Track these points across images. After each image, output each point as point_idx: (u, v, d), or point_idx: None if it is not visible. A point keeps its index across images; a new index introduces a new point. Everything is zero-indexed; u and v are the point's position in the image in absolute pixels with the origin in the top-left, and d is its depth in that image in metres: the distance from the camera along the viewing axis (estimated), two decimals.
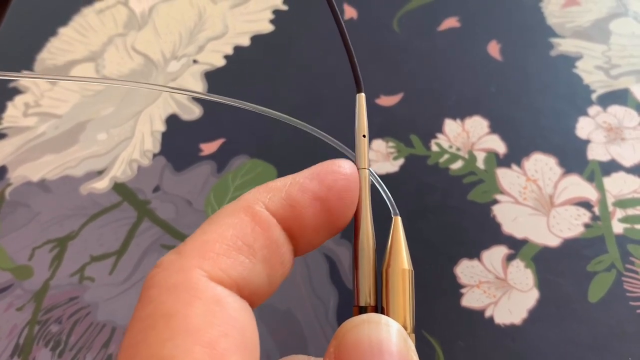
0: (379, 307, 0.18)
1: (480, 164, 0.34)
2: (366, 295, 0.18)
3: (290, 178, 0.18)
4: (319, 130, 0.21)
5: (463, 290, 0.30)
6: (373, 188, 0.20)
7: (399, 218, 0.19)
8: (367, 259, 0.19)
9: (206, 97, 0.21)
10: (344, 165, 0.19)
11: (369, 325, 0.16)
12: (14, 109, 0.41)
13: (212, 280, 0.16)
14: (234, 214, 0.17)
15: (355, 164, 0.19)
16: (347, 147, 0.21)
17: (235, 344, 0.15)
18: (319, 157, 0.37)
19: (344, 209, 0.19)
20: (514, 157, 0.34)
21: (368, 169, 0.20)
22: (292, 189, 0.18)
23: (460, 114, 0.36)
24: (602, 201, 0.32)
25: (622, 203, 0.32)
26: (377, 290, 0.19)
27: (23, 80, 0.42)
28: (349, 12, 0.42)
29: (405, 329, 0.18)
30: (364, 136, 0.20)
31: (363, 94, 0.20)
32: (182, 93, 0.25)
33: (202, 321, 0.15)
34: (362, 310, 0.18)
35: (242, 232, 0.17)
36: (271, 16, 0.43)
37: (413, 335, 0.18)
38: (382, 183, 0.20)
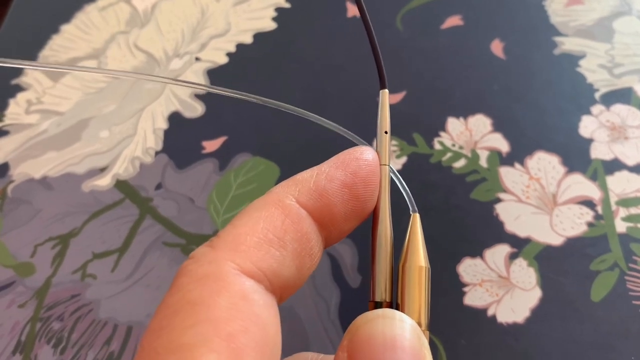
0: (394, 303, 0.19)
1: (483, 162, 0.34)
2: (382, 291, 0.18)
3: (316, 169, 0.19)
4: (326, 120, 0.21)
5: (466, 289, 0.30)
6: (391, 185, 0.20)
7: (417, 215, 0.19)
8: (385, 255, 0.19)
9: (212, 90, 0.21)
10: (366, 152, 0.19)
11: (383, 320, 0.16)
12: (16, 106, 0.41)
13: (242, 273, 0.16)
14: (265, 207, 0.17)
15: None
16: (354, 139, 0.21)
17: (254, 340, 0.15)
18: (322, 153, 0.37)
19: (370, 194, 0.19)
20: (517, 155, 0.34)
21: (388, 166, 0.20)
22: (320, 179, 0.18)
23: (464, 113, 0.36)
24: (605, 200, 0.32)
25: (625, 202, 0.32)
26: (392, 287, 0.19)
27: (25, 77, 0.42)
28: (352, 10, 0.42)
29: (420, 325, 0.18)
30: (386, 132, 0.20)
31: (386, 91, 0.20)
32: (188, 85, 0.25)
33: (225, 313, 0.15)
34: (378, 305, 0.18)
35: (273, 225, 0.17)
36: (274, 14, 0.43)
37: (427, 332, 0.18)
38: (402, 180, 0.20)
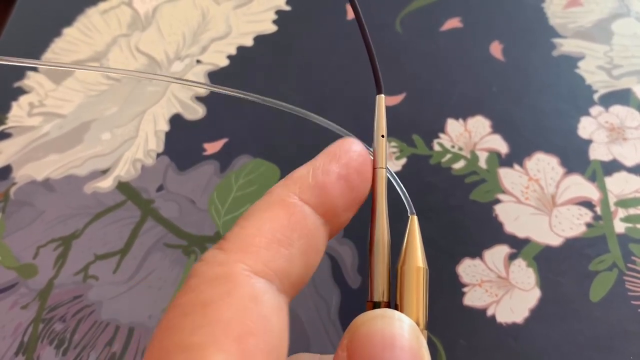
0: (393, 304, 0.19)
1: (482, 163, 0.34)
2: (380, 291, 0.19)
3: (310, 165, 0.19)
4: (325, 120, 0.22)
5: (465, 289, 0.30)
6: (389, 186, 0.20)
7: (415, 217, 0.20)
8: (382, 256, 0.19)
9: (216, 89, 0.22)
10: (354, 143, 0.20)
11: (382, 319, 0.17)
12: (19, 108, 0.41)
13: (253, 274, 0.16)
14: (269, 207, 0.18)
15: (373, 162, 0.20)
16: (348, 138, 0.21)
17: (263, 342, 0.15)
18: None
19: (364, 182, 0.20)
20: (516, 156, 0.34)
21: (386, 169, 0.20)
22: (317, 173, 0.19)
23: (463, 114, 0.36)
24: (604, 201, 0.32)
25: (623, 203, 0.32)
26: (390, 287, 0.19)
27: (27, 80, 0.42)
28: (352, 13, 0.42)
29: (418, 325, 0.18)
30: (383, 136, 0.21)
31: (383, 95, 0.21)
32: (193, 85, 0.25)
33: (235, 315, 0.15)
34: (376, 306, 0.19)
35: (280, 225, 0.17)
36: (274, 16, 0.43)
37: (425, 332, 0.18)
38: (400, 182, 0.21)
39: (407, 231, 0.20)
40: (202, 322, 0.15)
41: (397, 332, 0.16)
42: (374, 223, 0.19)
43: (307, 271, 0.18)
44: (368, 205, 0.20)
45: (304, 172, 0.19)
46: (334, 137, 0.22)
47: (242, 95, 0.22)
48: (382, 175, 0.20)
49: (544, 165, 0.34)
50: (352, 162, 0.19)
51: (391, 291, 0.19)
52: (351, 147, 0.20)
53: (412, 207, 0.20)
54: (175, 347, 0.15)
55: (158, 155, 0.37)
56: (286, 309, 0.17)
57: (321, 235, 0.19)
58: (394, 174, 0.21)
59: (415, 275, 0.19)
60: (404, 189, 0.21)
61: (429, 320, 0.18)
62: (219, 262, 0.16)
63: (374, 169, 0.20)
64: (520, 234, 0.32)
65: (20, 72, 0.43)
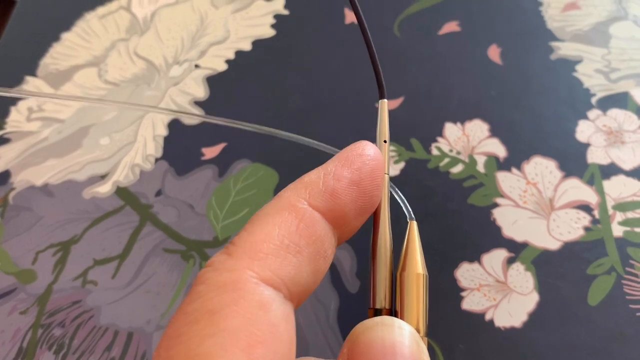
0: (393, 311, 0.19)
1: (480, 167, 0.34)
2: (382, 298, 0.19)
3: (322, 169, 0.19)
4: (323, 144, 0.21)
5: (463, 294, 0.30)
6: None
7: (414, 223, 0.20)
8: (384, 263, 0.19)
9: (204, 119, 0.22)
10: (367, 147, 0.19)
11: (382, 327, 0.16)
12: (18, 113, 0.41)
13: (261, 282, 0.16)
14: (278, 213, 0.17)
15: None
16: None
17: (271, 351, 0.15)
18: (320, 159, 0.37)
19: (377, 188, 0.19)
20: (514, 160, 0.34)
21: (388, 175, 0.20)
22: (328, 179, 0.18)
23: (461, 118, 0.36)
24: (602, 204, 0.32)
25: (622, 206, 0.32)
26: (392, 294, 0.19)
27: (26, 85, 0.42)
28: (350, 17, 0.42)
29: (418, 332, 0.18)
30: (385, 142, 0.20)
31: (385, 100, 0.21)
32: (180, 114, 0.25)
33: (243, 323, 0.15)
34: (377, 312, 0.18)
35: (288, 231, 0.17)
36: (272, 21, 0.43)
37: (426, 339, 0.18)
38: (397, 190, 0.21)
39: (407, 237, 0.19)
40: (210, 331, 0.15)
41: (397, 339, 0.16)
42: (376, 229, 0.19)
43: (315, 278, 0.18)
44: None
45: (314, 177, 0.18)
46: (334, 141, 0.22)
47: (234, 125, 0.22)
48: (384, 181, 0.20)
49: (542, 169, 0.34)
50: (364, 167, 0.19)
51: (391, 298, 0.19)
52: (364, 150, 0.19)
53: (412, 213, 0.20)
54: (183, 356, 0.14)
55: (157, 160, 0.37)
56: (293, 317, 0.17)
57: (330, 242, 0.18)
58: (391, 182, 0.21)
59: (416, 282, 0.19)
60: (402, 196, 0.20)
61: (429, 325, 0.18)
62: (226, 268, 0.16)
63: None
64: (519, 238, 0.32)
65: (19, 77, 0.43)
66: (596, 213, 0.32)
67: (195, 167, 0.37)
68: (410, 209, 0.20)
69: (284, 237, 0.17)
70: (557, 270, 0.30)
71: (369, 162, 0.19)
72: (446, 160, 0.35)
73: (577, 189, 0.33)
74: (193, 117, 0.39)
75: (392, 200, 0.21)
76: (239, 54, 0.42)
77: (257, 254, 0.16)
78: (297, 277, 0.17)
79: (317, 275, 0.18)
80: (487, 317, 0.30)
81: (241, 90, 0.40)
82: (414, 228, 0.20)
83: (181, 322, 0.15)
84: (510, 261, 0.31)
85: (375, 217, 0.20)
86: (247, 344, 0.15)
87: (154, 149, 0.38)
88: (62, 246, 0.35)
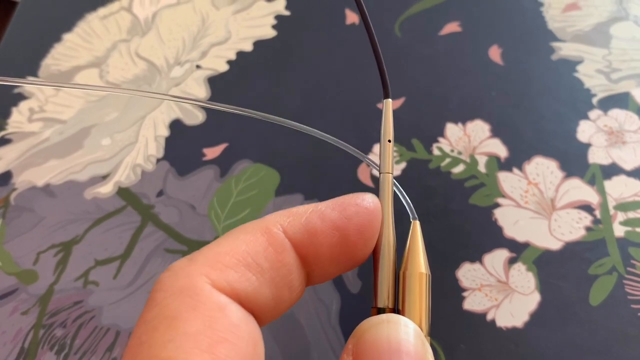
0: (396, 310, 0.19)
1: (481, 167, 0.34)
2: (384, 298, 0.19)
3: (313, 205, 0.18)
4: (328, 135, 0.21)
5: (465, 294, 0.30)
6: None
7: (417, 222, 0.20)
8: (388, 263, 0.19)
9: (216, 107, 0.22)
10: (367, 199, 0.19)
11: (388, 324, 0.17)
12: (19, 114, 0.41)
13: (215, 289, 0.16)
14: (252, 231, 0.17)
15: (378, 169, 0.20)
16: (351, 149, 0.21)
17: (235, 350, 0.15)
18: (322, 160, 0.37)
19: (363, 244, 0.18)
20: (515, 160, 0.34)
21: (392, 174, 0.20)
22: (313, 215, 0.18)
23: (462, 118, 0.36)
24: (604, 204, 0.32)
25: (623, 206, 0.32)
26: (395, 293, 0.19)
27: (28, 86, 0.42)
28: (351, 18, 0.42)
29: (421, 331, 0.18)
30: (389, 141, 0.20)
31: (390, 100, 0.20)
32: (191, 102, 0.25)
33: (203, 325, 0.15)
34: (380, 312, 0.18)
35: (255, 250, 0.17)
36: (273, 21, 0.43)
37: (428, 338, 0.18)
38: (401, 189, 0.21)
39: (410, 236, 0.19)
40: (170, 336, 0.15)
41: (403, 337, 0.16)
42: (380, 229, 0.19)
43: (277, 304, 0.18)
44: None
45: (302, 210, 0.18)
46: (334, 144, 0.22)
47: (239, 112, 0.22)
48: (388, 180, 0.20)
49: (543, 169, 0.34)
50: (355, 218, 0.18)
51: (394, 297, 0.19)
52: (362, 201, 0.19)
53: (414, 212, 0.20)
54: None
55: (158, 160, 0.38)
56: (255, 324, 0.17)
57: (297, 275, 0.18)
58: (395, 182, 0.21)
59: (418, 281, 0.19)
60: (406, 195, 0.20)
61: (430, 325, 0.18)
62: (184, 273, 0.16)
63: (380, 173, 0.20)
64: (520, 238, 0.32)
65: (21, 79, 0.43)
66: (597, 213, 0.32)
67: (197, 168, 0.37)
68: (413, 209, 0.20)
69: (248, 255, 0.17)
70: (558, 270, 0.30)
71: (363, 214, 0.18)
72: (447, 160, 0.35)
73: (579, 189, 0.33)
74: (195, 117, 0.39)
75: (396, 199, 0.21)
76: (240, 54, 0.42)
77: (216, 263, 0.16)
78: (253, 295, 0.17)
79: (280, 302, 0.18)
80: (489, 317, 0.30)
81: (242, 90, 0.40)
82: (417, 228, 0.20)
83: (142, 331, 0.15)
84: (511, 261, 0.31)
85: None
86: (208, 344, 0.15)
87: (156, 149, 0.38)
88: (64, 246, 0.35)
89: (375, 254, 0.19)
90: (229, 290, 0.16)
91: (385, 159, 0.20)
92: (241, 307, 0.16)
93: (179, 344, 0.15)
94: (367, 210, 0.18)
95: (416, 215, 0.20)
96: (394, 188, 0.20)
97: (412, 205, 0.20)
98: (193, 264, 0.16)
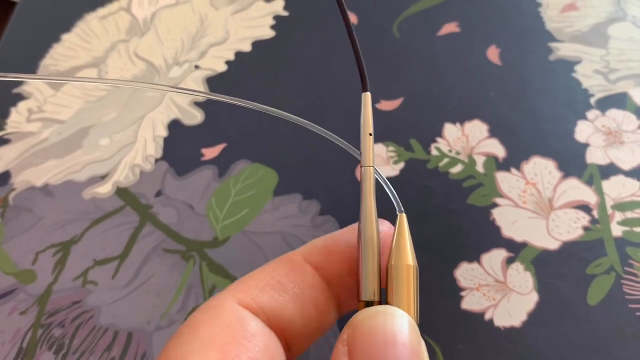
0: (383, 302, 0.19)
1: (479, 167, 0.34)
2: (370, 291, 0.19)
3: (329, 235, 0.21)
4: (325, 130, 0.22)
5: (463, 293, 0.30)
6: (378, 187, 0.20)
7: (404, 215, 0.20)
8: (372, 255, 0.19)
9: (215, 97, 0.22)
10: (381, 224, 0.21)
11: (384, 316, 0.17)
12: (18, 114, 0.41)
13: (239, 305, 0.18)
14: (276, 262, 0.20)
15: (360, 162, 0.20)
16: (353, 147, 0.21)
17: (247, 355, 0.17)
18: (321, 160, 0.37)
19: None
20: (513, 160, 0.34)
21: (373, 167, 0.20)
22: (328, 239, 0.20)
23: (460, 118, 0.36)
24: (601, 204, 0.32)
25: (621, 206, 0.32)
26: (380, 287, 0.19)
27: (26, 86, 0.42)
28: (351, 18, 0.42)
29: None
30: (370, 134, 0.20)
31: (369, 93, 0.21)
32: (188, 93, 0.25)
33: (220, 331, 0.17)
34: (369, 305, 0.18)
35: (278, 274, 0.19)
36: (272, 22, 0.44)
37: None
38: (387, 181, 0.21)
39: (396, 229, 0.19)
40: (190, 338, 0.17)
41: (398, 328, 0.16)
42: (362, 222, 0.19)
43: (306, 324, 0.19)
44: (358, 204, 0.20)
45: (320, 238, 0.21)
46: (334, 142, 0.22)
47: (240, 103, 0.22)
48: (369, 174, 0.20)
49: (541, 169, 0.34)
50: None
51: (380, 290, 0.19)
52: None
53: (401, 205, 0.20)
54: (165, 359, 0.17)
55: (156, 160, 0.38)
56: (277, 343, 0.18)
57: (321, 294, 0.20)
58: (382, 174, 0.21)
59: (406, 273, 0.19)
60: (392, 188, 0.21)
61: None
62: (215, 297, 0.19)
63: (362, 167, 0.20)
64: (518, 237, 0.32)
65: (21, 74, 0.43)
66: (595, 213, 0.32)
67: (195, 168, 0.37)
68: (399, 202, 0.20)
69: (272, 278, 0.19)
70: (556, 270, 0.30)
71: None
72: (445, 160, 0.35)
73: (576, 189, 0.33)
74: (193, 117, 0.39)
75: (386, 194, 0.21)
76: (239, 54, 0.42)
77: (243, 286, 0.19)
78: (278, 309, 0.19)
79: (308, 322, 0.19)
80: (487, 316, 0.30)
81: (241, 91, 0.40)
82: (403, 220, 0.20)
83: (171, 340, 0.18)
84: (509, 261, 0.31)
85: (360, 210, 0.19)
86: (221, 345, 0.16)
87: (154, 149, 0.38)
88: (62, 246, 0.35)
89: (358, 248, 0.19)
90: (254, 306, 0.18)
91: (367, 152, 0.20)
92: (264, 323, 0.18)
93: (195, 345, 0.16)
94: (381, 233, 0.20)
95: (402, 208, 0.20)
96: (381, 180, 0.21)
97: (399, 199, 0.20)
98: (224, 290, 0.19)
